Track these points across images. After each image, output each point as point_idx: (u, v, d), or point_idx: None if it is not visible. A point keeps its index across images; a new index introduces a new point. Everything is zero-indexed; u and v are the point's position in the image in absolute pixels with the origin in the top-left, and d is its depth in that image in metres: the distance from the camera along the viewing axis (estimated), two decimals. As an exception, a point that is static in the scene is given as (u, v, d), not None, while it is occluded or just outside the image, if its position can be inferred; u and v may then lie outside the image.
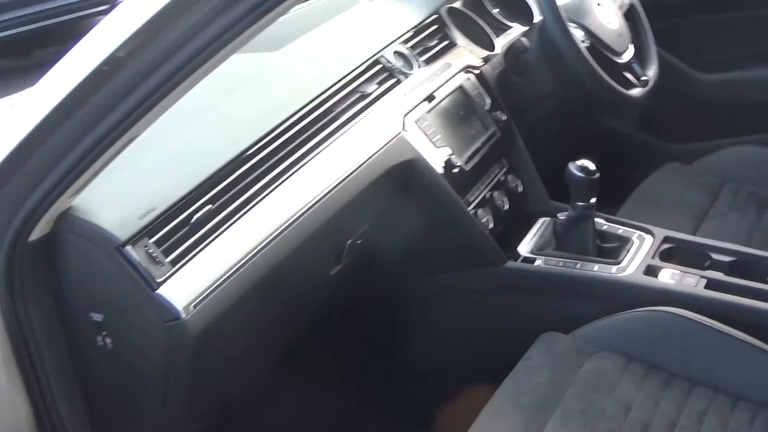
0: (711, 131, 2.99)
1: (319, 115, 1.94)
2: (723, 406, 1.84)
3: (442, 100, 2.24)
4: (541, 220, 2.33)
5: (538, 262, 2.18)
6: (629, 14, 2.67)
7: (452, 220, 2.13)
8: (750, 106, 3.00)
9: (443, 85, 2.27)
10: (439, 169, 2.11)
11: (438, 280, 2.23)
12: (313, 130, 1.91)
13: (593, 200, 2.16)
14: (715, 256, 2.19)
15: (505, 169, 2.38)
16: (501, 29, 2.60)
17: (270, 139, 1.83)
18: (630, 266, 2.14)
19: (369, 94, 2.08)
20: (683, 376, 1.90)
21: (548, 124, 2.62)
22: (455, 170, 2.14)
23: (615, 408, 1.81)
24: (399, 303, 2.24)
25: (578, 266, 2.15)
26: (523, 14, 2.64)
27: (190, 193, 1.64)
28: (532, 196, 2.40)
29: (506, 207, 2.31)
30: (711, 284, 2.07)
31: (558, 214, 2.26)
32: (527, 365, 1.94)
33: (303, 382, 2.19)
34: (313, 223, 1.79)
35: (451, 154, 2.15)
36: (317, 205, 1.80)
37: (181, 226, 1.61)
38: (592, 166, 2.13)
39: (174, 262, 1.57)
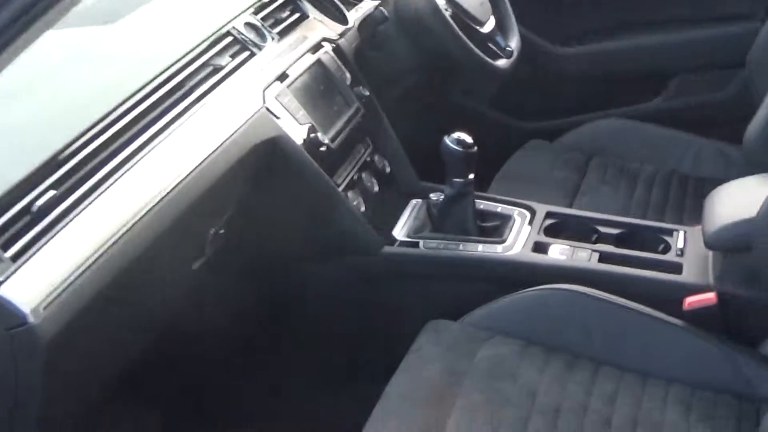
0: (571, 107, 2.89)
1: (169, 91, 1.70)
2: (633, 385, 1.71)
3: (302, 74, 2.03)
4: (413, 202, 2.16)
5: (418, 247, 2.01)
6: (487, -15, 2.53)
7: (323, 203, 1.93)
8: (608, 78, 2.91)
9: (300, 58, 2.06)
10: (305, 146, 1.90)
11: (310, 271, 2.01)
12: (164, 106, 1.67)
13: (471, 176, 2.00)
14: (602, 229, 2.07)
15: (370, 149, 2.20)
16: (351, 3, 2.41)
17: (115, 118, 1.58)
18: (516, 244, 1.99)
19: (222, 67, 1.85)
20: (586, 357, 1.76)
21: (411, 100, 2.44)
22: (322, 148, 1.94)
23: (520, 395, 1.65)
24: (269, 299, 2.01)
25: (461, 247, 1.98)
26: None
27: (28, 177, 1.39)
28: (401, 177, 2.23)
29: (376, 189, 2.12)
30: (604, 257, 1.95)
31: (430, 195, 2.09)
32: (416, 357, 1.76)
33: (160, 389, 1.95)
34: (171, 210, 1.55)
35: (316, 132, 1.95)
36: (175, 190, 1.56)
37: (21, 215, 1.35)
38: (469, 139, 1.98)
39: (15, 258, 1.30)
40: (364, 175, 2.11)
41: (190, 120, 1.69)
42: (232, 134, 1.73)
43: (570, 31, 2.92)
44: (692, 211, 2.33)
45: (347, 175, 2.06)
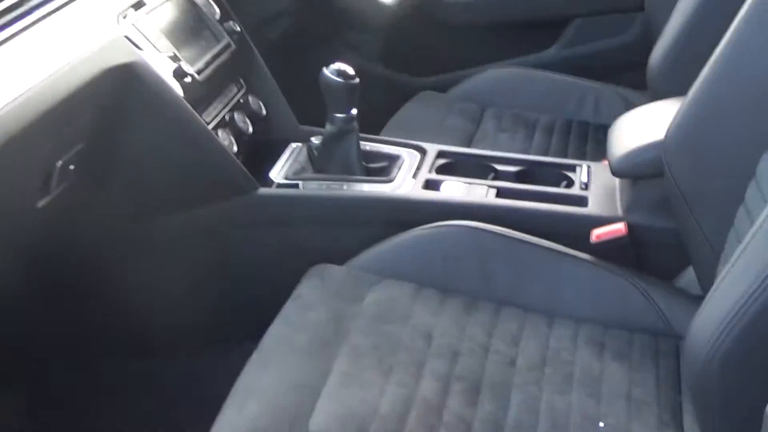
0: (463, 59, 2.71)
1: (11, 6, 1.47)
2: (539, 325, 1.53)
3: (162, 3, 1.81)
4: (292, 145, 1.94)
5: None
6: None
7: (187, 137, 1.68)
8: (501, 27, 2.74)
9: (160, -13, 1.83)
10: (167, 77, 1.68)
11: (174, 219, 1.77)
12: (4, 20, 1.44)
13: (354, 111, 1.80)
14: (499, 167, 1.89)
15: (244, 90, 1.98)
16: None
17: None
18: (405, 183, 1.79)
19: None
20: (486, 298, 1.57)
21: (287, 44, 2.24)
22: (187, 80, 1.71)
23: (414, 338, 1.46)
24: (126, 248, 1.77)
25: (345, 188, 1.78)
26: None
27: None
28: (279, 121, 2.01)
29: (250, 131, 1.90)
30: (502, 193, 1.76)
31: (311, 138, 1.89)
32: (298, 303, 1.55)
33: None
34: (8, 130, 1.32)
35: (180, 62, 1.72)
36: (12, 107, 1.33)
37: None
38: (350, 69, 1.78)
39: None
40: (236, 115, 1.89)
41: (33, 39, 1.46)
42: (80, 56, 1.50)
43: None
44: (595, 153, 2.18)
45: (218, 114, 1.84)
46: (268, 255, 1.78)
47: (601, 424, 1.34)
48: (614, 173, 1.69)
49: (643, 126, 1.73)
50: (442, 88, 2.56)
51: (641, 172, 1.65)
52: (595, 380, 1.42)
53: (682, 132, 1.52)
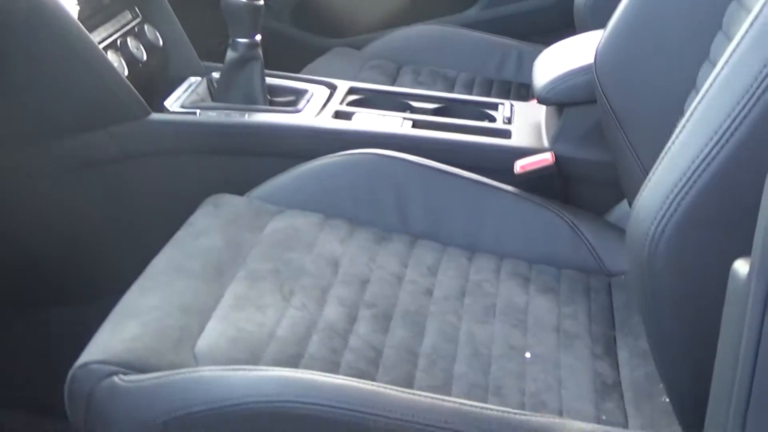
0: (379, 20, 2.57)
1: None
2: (458, 257, 1.38)
3: None
4: (191, 79, 1.77)
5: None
6: None
7: (73, 51, 1.49)
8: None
9: None
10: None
11: (58, 147, 1.57)
12: None
13: (258, 37, 1.64)
14: (416, 104, 1.73)
15: (139, 19, 1.80)
16: None
17: None
18: (313, 113, 1.63)
19: None
20: (402, 231, 1.41)
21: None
22: (75, -7, 1.53)
23: (319, 265, 1.29)
24: (16, 179, 1.55)
25: (247, 117, 1.61)
26: None
27: None
28: (178, 54, 1.83)
29: (144, 58, 1.72)
30: (419, 125, 1.61)
31: (212, 73, 1.72)
32: (190, 230, 1.37)
33: None
34: None
35: (68, -25, 1.54)
36: None
37: None
38: None
39: None
40: (130, 41, 1.71)
41: None
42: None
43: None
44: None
45: (108, 37, 1.66)
46: (163, 186, 1.60)
47: (528, 355, 1.19)
48: (541, 101, 1.56)
49: (570, 54, 1.61)
50: (356, 47, 2.42)
51: (570, 98, 1.53)
52: (521, 311, 1.27)
53: (613, 50, 1.41)
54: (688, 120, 0.90)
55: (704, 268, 0.86)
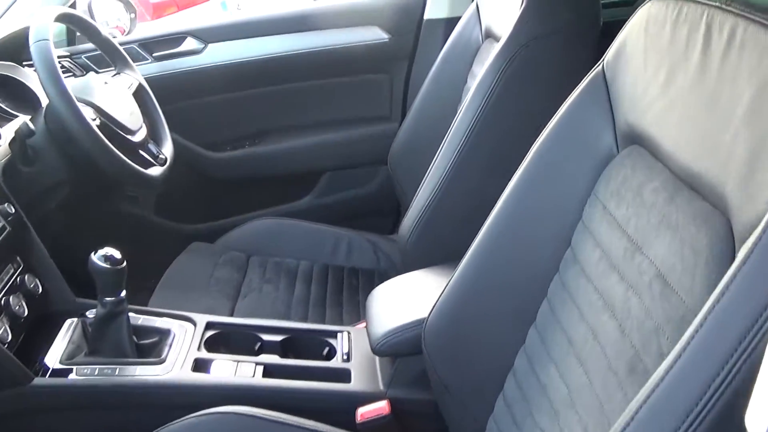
0: (230, 208, 2.61)
1: None
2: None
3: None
4: (68, 322, 1.78)
5: (71, 375, 1.62)
6: (138, 94, 2.19)
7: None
8: (262, 179, 2.65)
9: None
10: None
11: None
12: None
13: (123, 293, 1.66)
14: (265, 337, 1.78)
15: (21, 269, 1.79)
16: (6, 119, 2.00)
17: None
18: (176, 364, 1.66)
19: None
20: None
21: (66, 213, 2.06)
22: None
23: None
24: None
25: (117, 372, 1.62)
26: (30, 102, 2.06)
27: None
28: (55, 296, 1.83)
29: (26, 313, 1.72)
30: (269, 370, 1.66)
31: (87, 312, 1.73)
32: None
33: None
34: None
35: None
36: None
37: None
38: (117, 254, 1.64)
39: None
40: (12, 298, 1.70)
41: None
42: None
43: (223, 137, 2.63)
44: (348, 303, 2.15)
45: (-9, 299, 1.66)
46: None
47: None
48: (375, 353, 1.61)
49: (397, 303, 1.67)
50: (211, 234, 2.46)
51: (401, 350, 1.58)
52: None
53: (440, 323, 1.45)
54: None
55: None
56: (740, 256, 0.79)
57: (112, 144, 1.91)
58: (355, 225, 2.50)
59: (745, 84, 0.92)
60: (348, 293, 2.20)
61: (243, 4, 5.56)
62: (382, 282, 2.24)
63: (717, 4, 1.05)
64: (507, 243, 1.35)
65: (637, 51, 1.21)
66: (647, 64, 1.18)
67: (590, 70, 1.32)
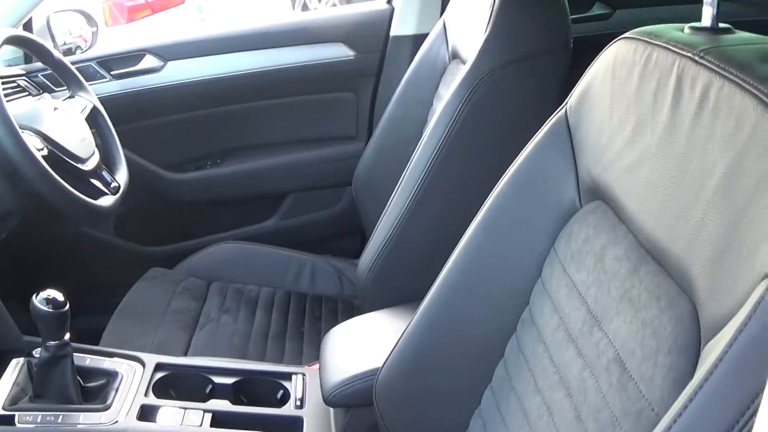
0: (191, 230, 2.51)
1: None
2: None
3: None
4: (14, 362, 1.66)
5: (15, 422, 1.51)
6: (92, 118, 2.08)
7: None
8: (224, 201, 2.55)
9: None
10: None
11: None
12: None
13: (67, 336, 1.56)
14: (216, 379, 1.68)
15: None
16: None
17: None
18: (122, 411, 1.56)
19: None
20: None
21: (14, 245, 1.95)
22: None
23: None
24: None
25: (61, 420, 1.52)
26: None
27: None
28: (1, 334, 1.73)
29: (-33, 356, 1.62)
30: (217, 419, 1.56)
31: (33, 351, 1.62)
32: None
33: None
34: None
35: None
36: None
37: None
38: (60, 296, 1.53)
39: None
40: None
41: None
42: None
43: (184, 157, 2.52)
44: (310, 334, 2.05)
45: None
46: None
47: None
48: (327, 403, 1.52)
49: (353, 348, 1.59)
50: (171, 256, 2.36)
51: (354, 401, 1.50)
52: None
53: (393, 378, 1.38)
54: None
55: None
56: (706, 364, 0.71)
57: (61, 173, 1.81)
58: (320, 248, 2.41)
59: (718, 154, 0.83)
60: (309, 323, 2.11)
61: (219, 9, 5.46)
62: (345, 309, 2.17)
63: (690, 54, 0.96)
64: (463, 296, 1.27)
65: (603, 96, 1.12)
66: (613, 113, 1.09)
67: (561, 98, 1.23)
